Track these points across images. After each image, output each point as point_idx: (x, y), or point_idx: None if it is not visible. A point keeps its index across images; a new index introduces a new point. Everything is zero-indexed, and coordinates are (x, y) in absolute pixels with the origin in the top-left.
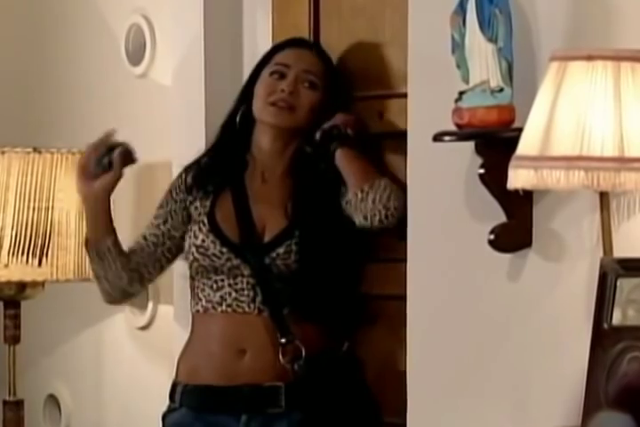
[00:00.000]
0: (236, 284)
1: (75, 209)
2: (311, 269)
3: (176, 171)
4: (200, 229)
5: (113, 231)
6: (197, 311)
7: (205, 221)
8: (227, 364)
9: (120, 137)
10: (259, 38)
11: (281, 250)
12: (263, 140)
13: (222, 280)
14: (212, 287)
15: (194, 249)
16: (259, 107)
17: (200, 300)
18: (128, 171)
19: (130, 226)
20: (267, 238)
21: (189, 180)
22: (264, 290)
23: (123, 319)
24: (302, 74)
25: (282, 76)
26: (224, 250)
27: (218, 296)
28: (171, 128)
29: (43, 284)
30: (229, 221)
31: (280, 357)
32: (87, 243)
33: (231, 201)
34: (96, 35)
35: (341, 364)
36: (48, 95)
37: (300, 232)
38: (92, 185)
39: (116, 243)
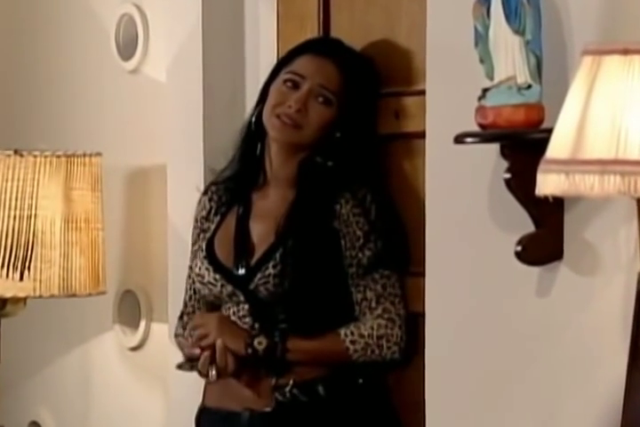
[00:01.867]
0: (238, 311)
1: (60, 217)
2: (292, 292)
3: (171, 174)
4: (199, 256)
5: None
6: None
7: (203, 246)
8: (231, 389)
9: (110, 139)
10: (262, 31)
11: (260, 274)
12: (272, 148)
13: (229, 309)
14: None
15: (195, 278)
16: (266, 114)
17: None
18: (120, 174)
19: (122, 233)
20: (253, 261)
21: (207, 204)
22: (254, 316)
23: (112, 339)
24: (317, 88)
25: (295, 86)
26: (217, 277)
27: None
28: (165, 128)
29: (24, 300)
30: (226, 244)
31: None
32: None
33: (235, 221)
34: (83, 26)
35: (353, 386)
36: (31, 93)
37: (281, 253)
38: None
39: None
